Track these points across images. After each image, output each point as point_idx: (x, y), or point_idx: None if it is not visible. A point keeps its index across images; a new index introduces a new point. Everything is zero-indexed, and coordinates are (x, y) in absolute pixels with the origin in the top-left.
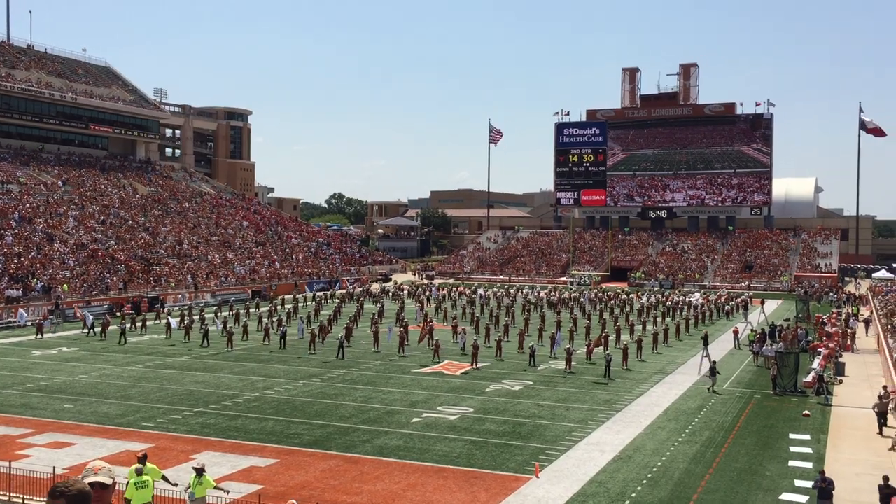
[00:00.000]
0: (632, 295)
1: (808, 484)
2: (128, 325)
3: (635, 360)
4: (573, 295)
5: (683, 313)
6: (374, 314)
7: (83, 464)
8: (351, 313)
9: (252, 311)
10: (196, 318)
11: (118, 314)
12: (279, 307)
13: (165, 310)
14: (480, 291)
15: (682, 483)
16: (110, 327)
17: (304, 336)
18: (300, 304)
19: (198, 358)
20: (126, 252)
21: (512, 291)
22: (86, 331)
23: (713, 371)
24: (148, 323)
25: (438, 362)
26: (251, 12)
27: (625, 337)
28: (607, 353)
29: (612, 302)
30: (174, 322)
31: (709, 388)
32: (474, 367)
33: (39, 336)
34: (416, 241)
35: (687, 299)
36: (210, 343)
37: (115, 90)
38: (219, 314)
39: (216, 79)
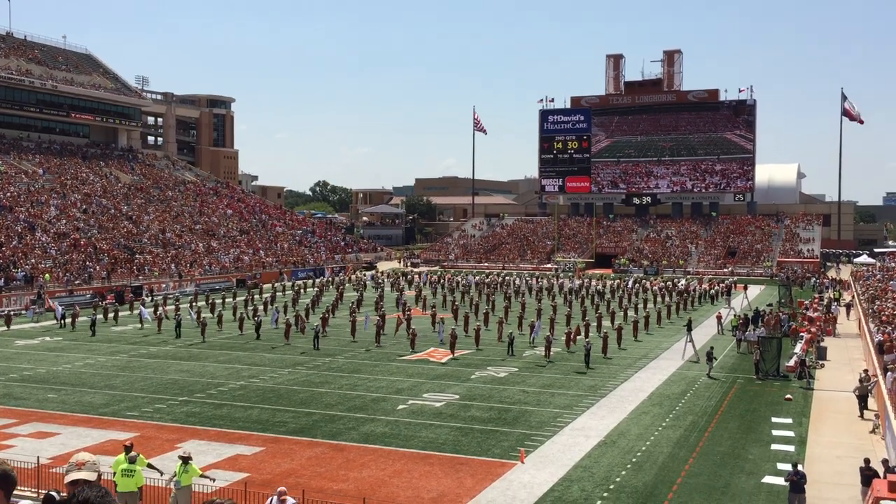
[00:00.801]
0: (616, 281)
1: (791, 467)
2: (99, 316)
3: (616, 349)
4: (561, 281)
5: (666, 300)
6: (352, 303)
7: (67, 453)
8: (329, 302)
9: (228, 300)
10: (171, 308)
11: (102, 304)
12: (256, 296)
13: (141, 299)
14: (470, 278)
15: (666, 467)
16: (80, 318)
17: (278, 326)
18: (278, 293)
19: (182, 347)
20: (109, 241)
21: (497, 279)
22: (57, 322)
23: (710, 357)
24: (123, 314)
25: (415, 352)
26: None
27: (606, 323)
28: (587, 340)
29: (600, 286)
30: (146, 312)
31: (707, 374)
32: (452, 356)
33: (7, 328)
34: (401, 228)
35: (674, 283)
36: (182, 334)
37: (96, 78)
38: (194, 304)
39: (199, 66)
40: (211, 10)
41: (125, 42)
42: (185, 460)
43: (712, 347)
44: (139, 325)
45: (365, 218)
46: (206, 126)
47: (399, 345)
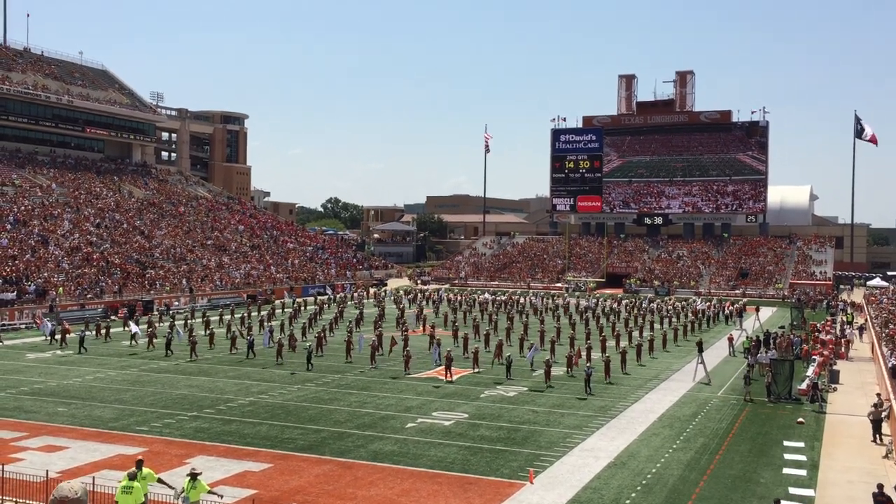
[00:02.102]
0: (628, 300)
1: (803, 492)
2: (88, 333)
3: (619, 374)
4: (576, 300)
5: (673, 322)
6: (349, 322)
7: (76, 467)
8: (328, 320)
9: (226, 317)
10: (167, 324)
11: (113, 318)
12: (253, 314)
13: (135, 316)
14: (487, 295)
15: (676, 490)
16: (70, 335)
17: (270, 345)
18: (277, 311)
19: (192, 362)
20: (121, 255)
21: (513, 298)
22: (46, 339)
23: (747, 380)
24: (115, 330)
25: (409, 373)
26: (248, 16)
27: (610, 343)
28: (588, 365)
29: (617, 306)
30: (136, 329)
31: (745, 398)
32: (448, 379)
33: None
34: (411, 246)
35: (690, 303)
36: (173, 352)
37: (112, 93)
38: (189, 321)
39: (213, 83)
40: (226, 27)
41: (141, 58)
42: (194, 476)
43: (749, 368)
44: (130, 342)
45: (376, 235)
46: (219, 142)
47: (395, 366)
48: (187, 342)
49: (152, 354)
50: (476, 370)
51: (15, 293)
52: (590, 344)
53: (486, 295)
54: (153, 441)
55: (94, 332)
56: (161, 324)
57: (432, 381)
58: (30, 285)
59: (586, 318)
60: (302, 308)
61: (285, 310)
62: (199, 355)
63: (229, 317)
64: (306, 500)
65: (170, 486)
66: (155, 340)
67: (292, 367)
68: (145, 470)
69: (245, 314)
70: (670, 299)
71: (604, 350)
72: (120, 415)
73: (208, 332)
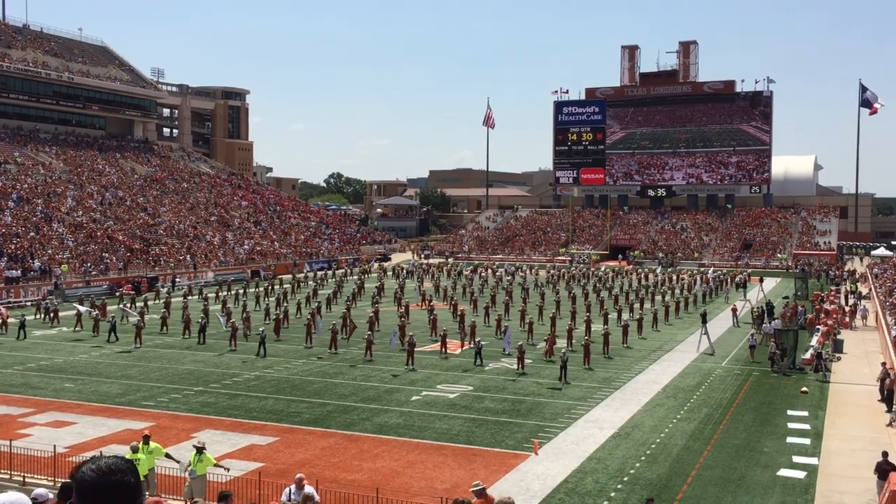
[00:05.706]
0: (634, 273)
1: (807, 460)
2: (28, 317)
3: (601, 357)
4: (572, 272)
5: (675, 294)
6: (318, 303)
7: (84, 443)
8: (297, 301)
9: (192, 297)
10: (124, 305)
11: (117, 294)
12: (211, 295)
13: (80, 297)
14: (506, 266)
15: (680, 459)
16: (9, 319)
17: (226, 328)
18: (249, 290)
19: (138, 348)
20: (125, 232)
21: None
22: None
23: (785, 352)
24: (67, 314)
25: (371, 361)
26: None
27: (597, 326)
28: (564, 351)
29: (611, 281)
30: (84, 311)
31: (784, 369)
32: (409, 366)
33: None
34: (415, 220)
35: (699, 274)
36: (118, 338)
37: (112, 70)
38: (148, 303)
39: (214, 58)
40: (226, 2)
41: (141, 34)
42: (200, 450)
43: (784, 342)
44: (76, 327)
45: (379, 210)
46: (221, 118)
47: (353, 354)
48: (133, 325)
49: (160, 331)
50: (443, 355)
51: (20, 271)
52: (571, 326)
53: (507, 266)
54: (160, 416)
55: (42, 316)
56: (123, 305)
57: (437, 354)
58: (34, 262)
59: (573, 296)
60: (271, 287)
61: (258, 288)
62: (142, 342)
63: (197, 296)
64: (312, 472)
65: (176, 461)
66: (100, 323)
67: (243, 354)
68: (153, 444)
69: (206, 295)
70: (678, 270)
71: (588, 331)
72: (126, 390)
73: (160, 316)
